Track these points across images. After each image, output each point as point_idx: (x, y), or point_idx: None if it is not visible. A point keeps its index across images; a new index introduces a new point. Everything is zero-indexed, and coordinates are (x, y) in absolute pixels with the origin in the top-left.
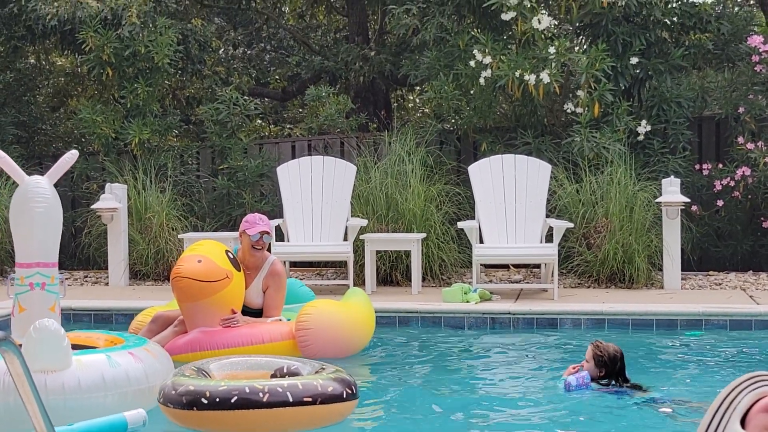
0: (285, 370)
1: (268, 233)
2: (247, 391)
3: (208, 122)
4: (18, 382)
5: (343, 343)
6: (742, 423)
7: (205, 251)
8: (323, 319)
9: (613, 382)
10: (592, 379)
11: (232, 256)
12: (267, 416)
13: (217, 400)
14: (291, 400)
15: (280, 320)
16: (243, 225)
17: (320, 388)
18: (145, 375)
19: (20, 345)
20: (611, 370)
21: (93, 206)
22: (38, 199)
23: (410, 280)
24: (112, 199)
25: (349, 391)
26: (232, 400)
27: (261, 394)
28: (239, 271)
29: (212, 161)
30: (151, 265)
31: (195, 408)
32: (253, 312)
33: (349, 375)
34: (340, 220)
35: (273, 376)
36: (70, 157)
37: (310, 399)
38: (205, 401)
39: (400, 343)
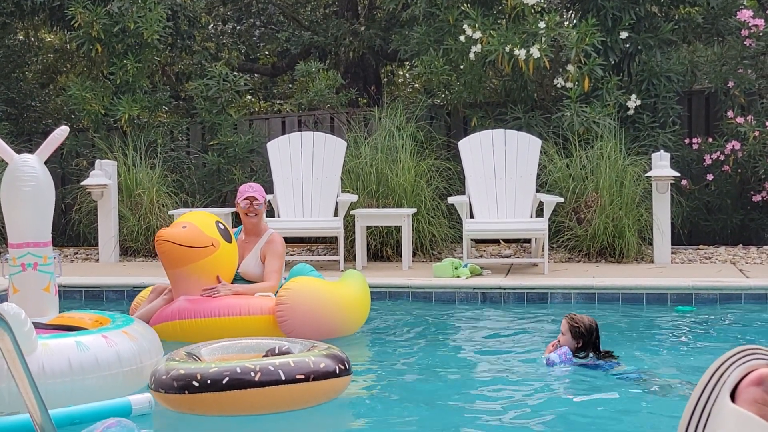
0: (276, 351)
1: (256, 198)
2: (239, 371)
3: (197, 98)
4: (8, 358)
5: (324, 324)
6: (732, 397)
7: (192, 219)
8: (303, 296)
9: (591, 354)
10: (578, 353)
11: (222, 227)
12: (260, 395)
13: (209, 382)
14: (283, 378)
15: (268, 296)
16: (237, 195)
17: (312, 365)
18: (118, 359)
19: None
20: (588, 341)
21: (83, 183)
22: (26, 178)
23: (401, 256)
24: (102, 176)
25: (342, 367)
26: (224, 381)
27: (253, 374)
28: (229, 243)
29: (202, 137)
30: (142, 242)
31: (187, 391)
32: (250, 283)
33: (342, 351)
34: (331, 196)
35: (264, 357)
36: (60, 133)
37: (302, 376)
38: (197, 384)
39: (391, 319)
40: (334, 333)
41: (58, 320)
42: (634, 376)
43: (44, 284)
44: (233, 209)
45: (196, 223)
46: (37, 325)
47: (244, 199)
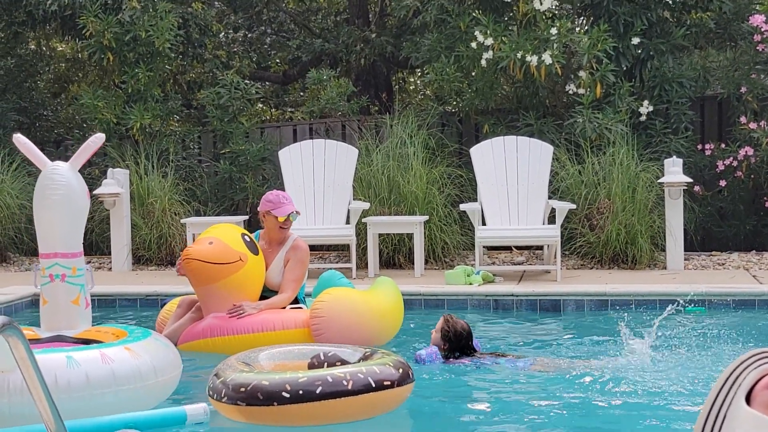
0: (321, 357)
1: (298, 212)
2: (330, 380)
3: (209, 107)
4: (23, 366)
5: (359, 334)
6: (747, 400)
7: (218, 233)
8: (338, 308)
9: (458, 354)
10: (443, 353)
11: (248, 239)
12: (352, 404)
13: (301, 392)
14: (373, 385)
15: (300, 308)
16: (266, 205)
17: (394, 371)
18: (113, 377)
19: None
20: (454, 346)
21: (95, 191)
22: (54, 186)
23: (413, 263)
24: (115, 185)
25: (411, 372)
26: (317, 391)
27: (345, 382)
28: (256, 255)
29: (214, 145)
30: (154, 250)
31: (276, 403)
32: (274, 294)
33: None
34: (343, 204)
35: (311, 364)
36: (96, 140)
37: (389, 383)
38: (287, 395)
39: (404, 327)
40: (370, 344)
41: (84, 334)
42: (522, 364)
43: (73, 296)
44: (245, 217)
45: (222, 237)
46: (62, 339)
47: (289, 213)
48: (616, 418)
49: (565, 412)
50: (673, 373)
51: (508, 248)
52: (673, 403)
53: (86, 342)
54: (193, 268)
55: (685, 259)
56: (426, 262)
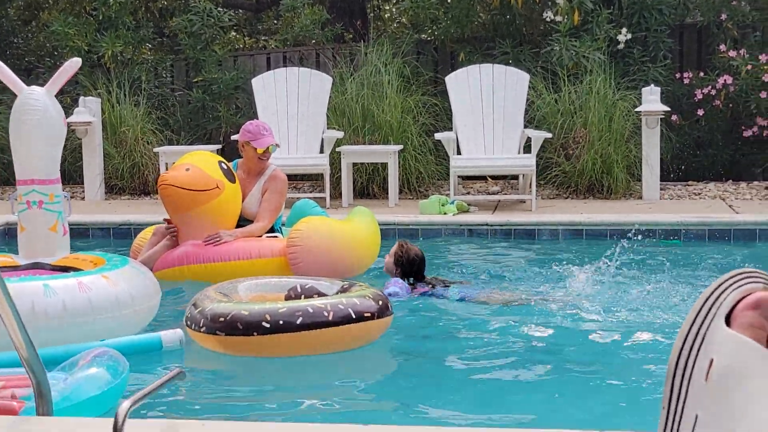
0: (298, 289)
1: (277, 144)
2: (311, 311)
3: (181, 34)
4: None
5: (336, 263)
6: (728, 321)
7: (195, 160)
8: (315, 237)
9: (412, 280)
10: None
11: (225, 167)
12: (331, 335)
13: (281, 322)
14: (354, 316)
15: (276, 237)
16: (245, 135)
17: (374, 303)
18: (90, 306)
19: None
20: (406, 270)
21: (67, 120)
22: (30, 111)
23: (387, 193)
24: (86, 113)
25: (390, 305)
26: (298, 322)
27: (326, 313)
28: (233, 183)
29: (186, 74)
30: (127, 179)
31: (255, 333)
32: (250, 223)
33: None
34: (316, 133)
35: (287, 296)
36: (71, 65)
37: (369, 315)
38: (267, 325)
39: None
40: (347, 273)
41: (62, 261)
42: (474, 293)
43: (51, 223)
44: (218, 146)
45: (199, 164)
46: (40, 266)
47: (268, 145)
48: (595, 351)
49: (539, 344)
50: (639, 304)
51: (483, 178)
52: (642, 333)
53: (64, 269)
54: (169, 194)
55: (661, 189)
56: (400, 191)
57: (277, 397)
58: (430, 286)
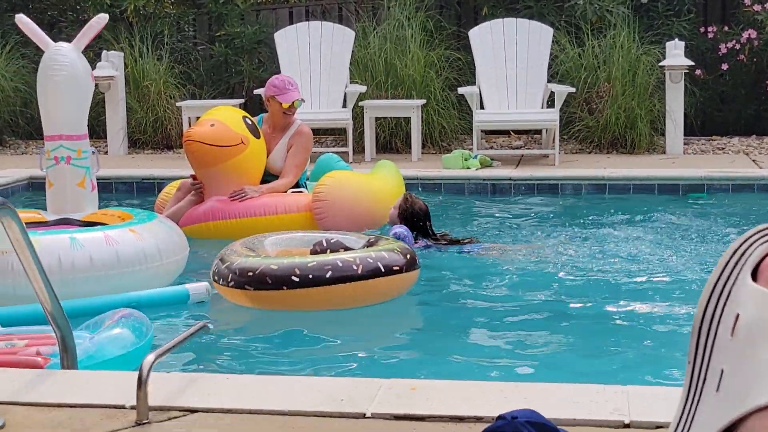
0: (324, 244)
1: (303, 100)
2: (341, 264)
3: None
4: (17, 247)
5: (361, 216)
6: (754, 276)
7: (219, 116)
8: (340, 191)
9: (415, 233)
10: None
11: (250, 122)
12: (361, 288)
13: (311, 276)
14: (383, 270)
15: (301, 192)
16: (271, 90)
17: (402, 257)
18: (117, 259)
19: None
20: (410, 224)
21: None
22: (57, 67)
23: (410, 147)
24: (109, 67)
25: (418, 258)
26: (327, 275)
27: (355, 267)
28: (258, 138)
29: (209, 28)
30: (150, 134)
31: (285, 287)
32: (276, 179)
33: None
34: (339, 87)
35: (313, 251)
36: (98, 21)
37: (398, 268)
38: (297, 279)
39: None
40: (371, 226)
41: (90, 217)
42: (476, 249)
43: (79, 179)
44: (241, 101)
45: (224, 120)
46: (68, 221)
47: (294, 100)
48: (619, 304)
49: (560, 297)
50: (662, 258)
51: (506, 132)
52: (666, 288)
53: (92, 225)
54: (194, 150)
55: (685, 144)
56: (423, 146)
57: (301, 351)
58: (434, 241)
